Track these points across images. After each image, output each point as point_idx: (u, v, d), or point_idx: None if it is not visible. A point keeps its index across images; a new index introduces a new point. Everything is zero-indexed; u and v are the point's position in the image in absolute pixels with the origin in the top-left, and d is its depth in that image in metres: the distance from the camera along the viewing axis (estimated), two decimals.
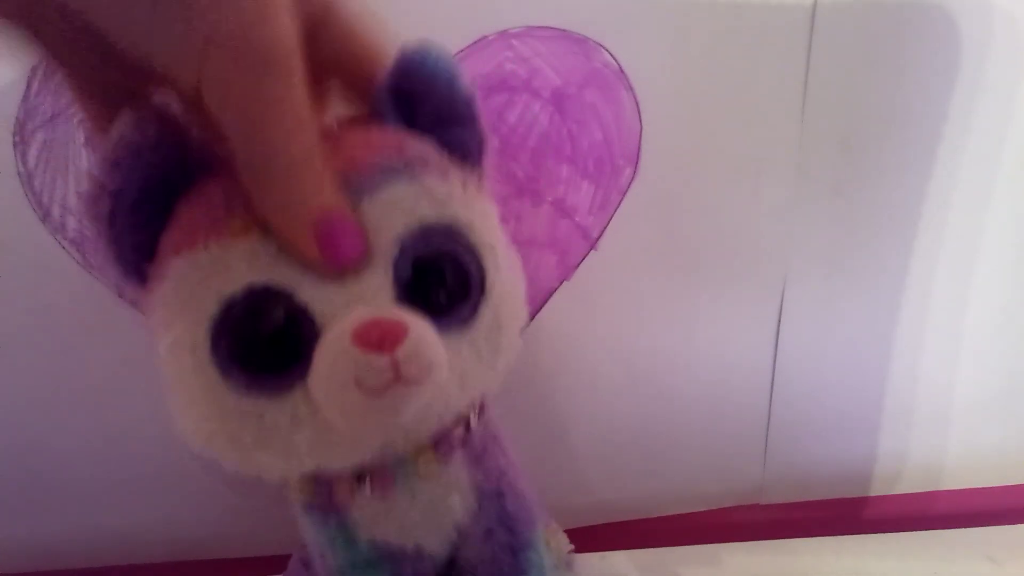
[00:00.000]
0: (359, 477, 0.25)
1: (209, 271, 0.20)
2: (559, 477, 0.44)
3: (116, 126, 0.19)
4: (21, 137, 0.35)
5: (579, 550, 0.43)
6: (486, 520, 0.28)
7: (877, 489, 0.48)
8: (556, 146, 0.38)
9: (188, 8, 0.17)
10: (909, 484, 0.48)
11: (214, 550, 0.44)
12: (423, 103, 0.23)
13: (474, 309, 0.22)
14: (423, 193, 0.21)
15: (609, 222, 0.39)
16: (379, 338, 0.19)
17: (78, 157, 0.35)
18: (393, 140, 0.23)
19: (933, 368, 0.45)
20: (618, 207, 0.39)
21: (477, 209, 0.23)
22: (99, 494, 0.42)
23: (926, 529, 0.45)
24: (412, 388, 0.19)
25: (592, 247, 0.40)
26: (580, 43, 0.37)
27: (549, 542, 0.26)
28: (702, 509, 0.47)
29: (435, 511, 0.26)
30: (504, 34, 0.36)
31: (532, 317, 0.40)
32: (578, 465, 0.44)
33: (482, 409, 0.28)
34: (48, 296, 0.38)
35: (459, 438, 0.26)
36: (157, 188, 0.21)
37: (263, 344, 0.20)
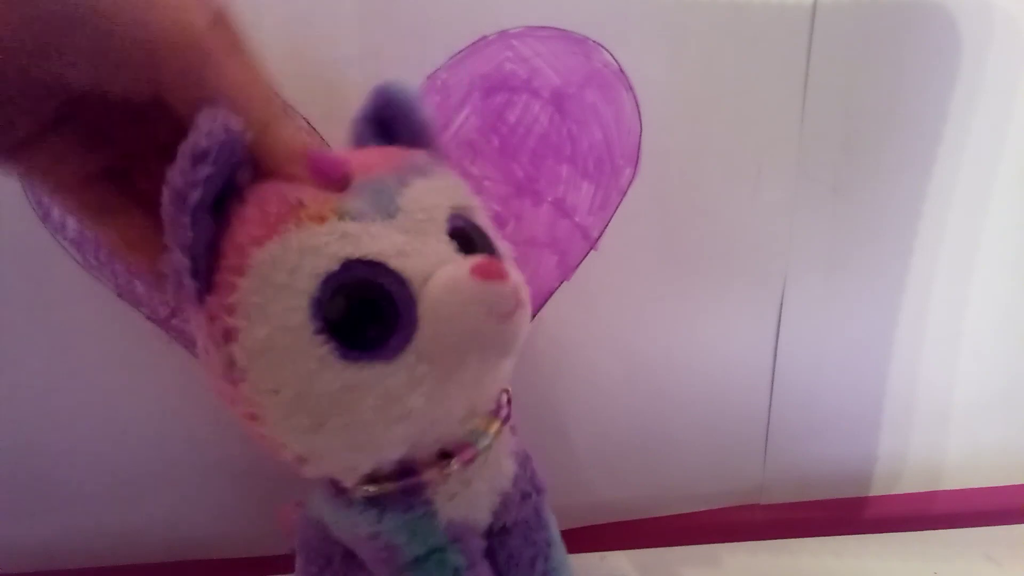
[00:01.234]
0: (443, 455, 0.26)
1: (300, 254, 0.21)
2: (559, 477, 0.44)
3: (199, 121, 0.20)
4: None
5: (579, 550, 0.44)
6: (523, 483, 0.30)
7: (877, 489, 0.48)
8: (556, 146, 0.38)
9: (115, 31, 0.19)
10: (909, 484, 0.48)
11: (214, 550, 0.44)
12: (399, 127, 0.27)
13: None
14: (444, 184, 0.26)
15: (609, 222, 0.39)
16: (497, 270, 0.22)
17: None
18: (399, 151, 0.26)
19: (933, 368, 0.45)
20: (618, 207, 0.39)
21: (474, 199, 0.27)
22: (99, 494, 0.42)
23: (926, 529, 0.45)
24: (526, 312, 0.23)
25: (592, 247, 0.40)
26: (580, 43, 0.37)
27: None
28: (702, 509, 0.47)
29: (494, 479, 0.29)
30: (504, 34, 0.36)
31: (532, 317, 0.40)
32: (578, 465, 0.44)
33: None
34: (48, 296, 0.38)
35: (507, 403, 0.29)
36: (230, 184, 0.22)
37: (370, 312, 0.22)
